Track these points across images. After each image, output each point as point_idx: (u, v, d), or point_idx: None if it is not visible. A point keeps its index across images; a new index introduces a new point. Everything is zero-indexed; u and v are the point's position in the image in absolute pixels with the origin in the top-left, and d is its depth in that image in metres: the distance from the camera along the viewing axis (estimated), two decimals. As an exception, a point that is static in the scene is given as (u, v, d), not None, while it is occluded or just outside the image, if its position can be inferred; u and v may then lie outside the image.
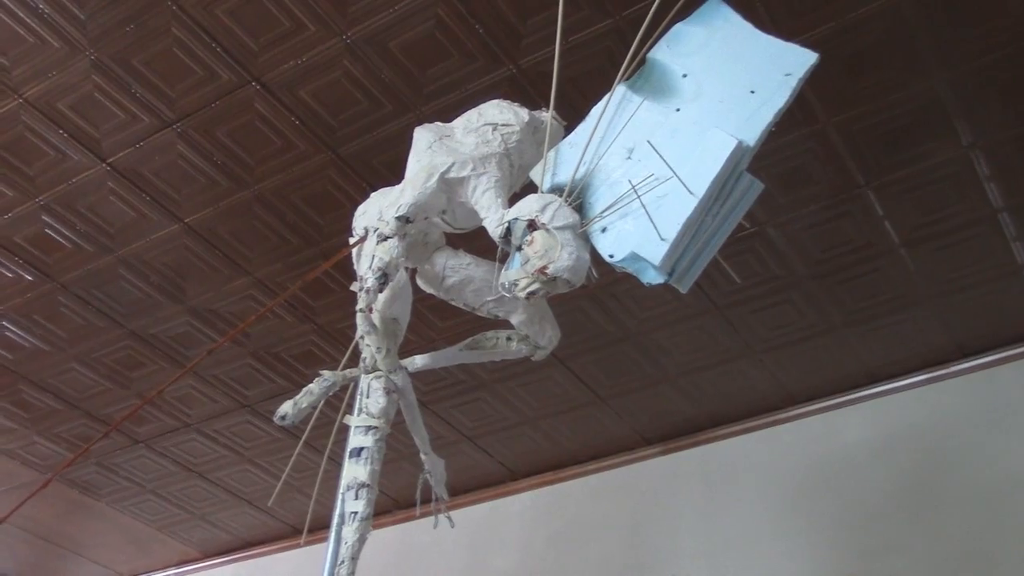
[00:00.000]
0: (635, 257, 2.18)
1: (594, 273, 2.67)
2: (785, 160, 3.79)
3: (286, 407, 2.53)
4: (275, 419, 2.54)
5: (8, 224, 4.22)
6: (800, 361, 4.73)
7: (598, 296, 4.42)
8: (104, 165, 3.93)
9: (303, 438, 3.05)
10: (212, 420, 5.36)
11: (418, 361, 2.70)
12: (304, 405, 2.53)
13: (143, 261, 4.38)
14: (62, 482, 5.95)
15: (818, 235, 4.10)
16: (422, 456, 2.58)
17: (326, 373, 2.57)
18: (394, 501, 5.80)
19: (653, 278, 2.17)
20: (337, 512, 2.27)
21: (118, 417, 5.05)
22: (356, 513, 2.23)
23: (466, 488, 5.73)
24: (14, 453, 5.72)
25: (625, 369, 4.85)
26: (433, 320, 4.56)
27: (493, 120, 2.49)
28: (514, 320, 2.70)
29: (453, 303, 2.73)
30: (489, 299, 2.66)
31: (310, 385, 2.56)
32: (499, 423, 5.27)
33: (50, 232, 4.25)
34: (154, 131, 3.79)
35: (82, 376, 5.08)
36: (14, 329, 4.81)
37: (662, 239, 2.11)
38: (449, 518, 2.62)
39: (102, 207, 4.12)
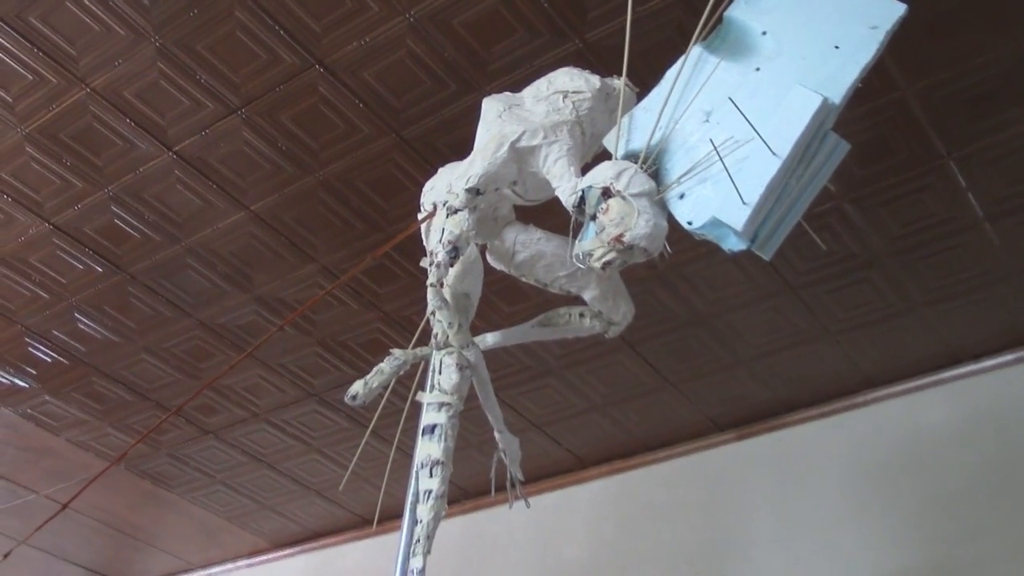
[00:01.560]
0: (715, 223, 2.09)
1: (667, 248, 2.60)
2: (862, 131, 3.65)
3: (357, 387, 2.49)
4: (346, 399, 2.50)
5: (78, 215, 4.25)
6: (879, 342, 4.58)
7: (667, 277, 4.32)
8: (170, 154, 3.93)
9: (370, 426, 3.04)
10: (280, 410, 5.36)
11: (489, 339, 2.64)
12: (375, 385, 2.49)
13: (210, 250, 4.39)
14: (135, 473, 6.02)
15: (897, 210, 3.95)
16: (496, 434, 2.52)
17: (396, 351, 2.52)
18: (462, 491, 5.76)
19: (735, 244, 2.08)
20: (411, 491, 2.22)
21: (181, 401, 5.05)
22: (431, 491, 2.18)
23: (535, 476, 5.66)
24: (88, 444, 5.79)
25: (696, 353, 4.74)
26: (500, 304, 4.50)
27: (564, 88, 2.42)
28: (587, 296, 2.63)
29: (524, 279, 2.67)
30: (561, 274, 2.59)
31: (380, 364, 2.52)
32: (567, 410, 5.20)
33: (119, 223, 4.27)
34: (219, 118, 3.77)
35: (152, 367, 5.12)
36: (85, 320, 4.85)
37: (744, 203, 2.01)
38: (525, 499, 2.56)
39: (169, 196, 4.13)
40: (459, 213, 2.30)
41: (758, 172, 2.02)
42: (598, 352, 4.79)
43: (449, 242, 2.29)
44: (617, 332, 2.71)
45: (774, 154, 2.01)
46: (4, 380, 5.24)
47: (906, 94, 3.53)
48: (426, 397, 2.30)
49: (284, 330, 4.74)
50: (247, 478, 5.99)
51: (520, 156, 2.31)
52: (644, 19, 3.29)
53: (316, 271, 4.45)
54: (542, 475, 5.65)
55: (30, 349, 5.05)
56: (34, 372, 5.19)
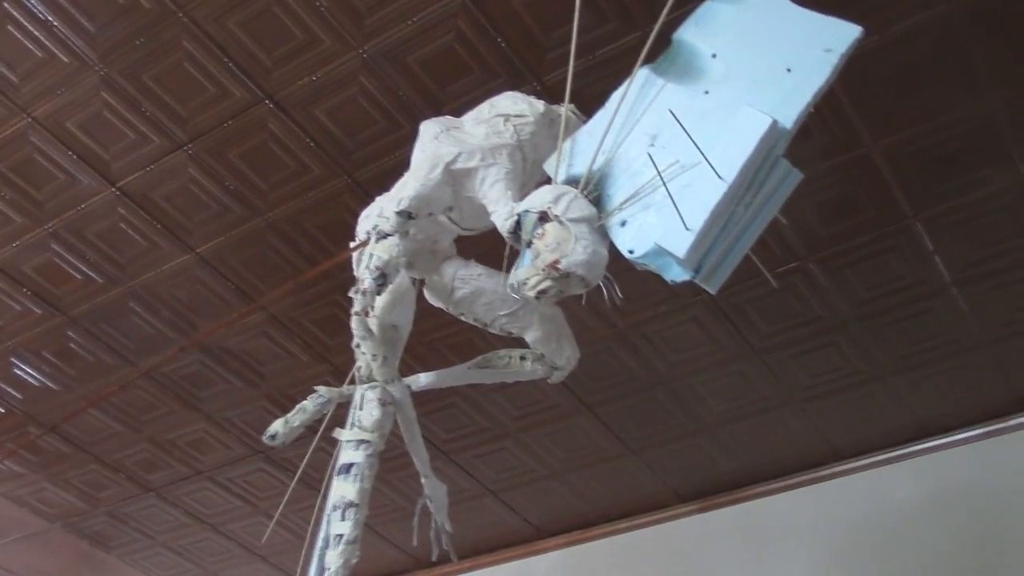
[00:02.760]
0: (658, 251, 1.95)
1: (618, 293, 2.46)
2: (827, 187, 3.56)
3: (276, 425, 2.32)
4: (264, 439, 2.33)
5: (16, 253, 4.07)
6: (845, 411, 4.43)
7: (627, 336, 4.18)
8: (114, 190, 3.78)
9: (298, 473, 2.85)
10: (226, 467, 5.13)
11: (423, 379, 2.47)
12: (296, 424, 2.32)
13: (153, 294, 4.22)
14: (71, 532, 5.74)
15: (863, 272, 3.84)
16: (422, 480, 2.33)
17: (322, 389, 2.35)
18: (413, 559, 5.53)
19: (677, 275, 1.94)
20: (321, 535, 2.03)
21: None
22: (342, 536, 2.00)
23: (490, 547, 5.45)
24: (23, 500, 5.51)
25: (657, 418, 4.57)
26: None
27: (505, 111, 2.30)
28: (529, 338, 2.48)
29: (463, 318, 2.51)
30: (502, 313, 2.44)
31: (303, 402, 2.35)
32: (524, 475, 5.00)
33: (59, 262, 4.10)
34: (165, 153, 3.64)
35: (91, 418, 4.89)
36: (21, 366, 4.64)
37: (687, 229, 1.88)
38: (452, 552, 2.36)
39: (112, 235, 3.96)
40: (389, 238, 2.15)
41: (703, 197, 1.89)
42: (556, 415, 4.62)
43: (376, 267, 2.13)
44: (560, 377, 2.55)
45: (720, 178, 1.88)
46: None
47: (871, 151, 3.44)
48: (344, 434, 2.13)
49: (227, 381, 4.55)
50: (190, 540, 5.72)
51: (455, 179, 2.17)
52: (603, 64, 3.20)
53: (264, 319, 4.28)
54: (497, 545, 5.43)
55: (-36, 395, 4.83)
56: (-34, 419, 4.96)
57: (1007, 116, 3.29)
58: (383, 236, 2.16)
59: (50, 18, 3.25)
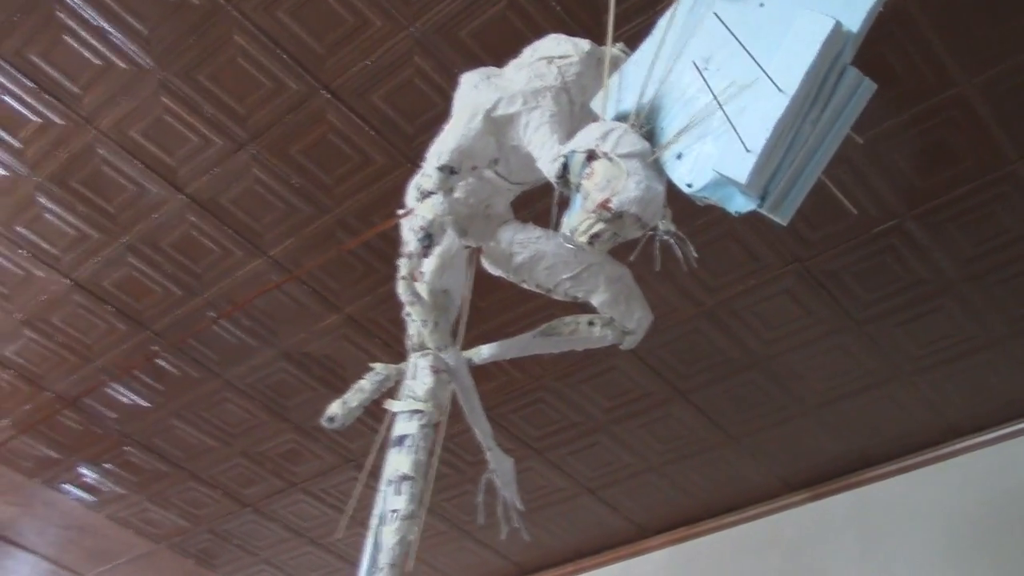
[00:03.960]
0: (718, 181, 1.78)
1: (693, 253, 2.30)
2: (920, 135, 3.30)
3: (334, 407, 2.21)
4: (323, 422, 2.22)
5: (96, 269, 4.09)
6: (961, 382, 4.11)
7: (716, 314, 3.96)
8: (182, 196, 3.76)
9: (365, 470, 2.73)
10: (319, 478, 5.08)
11: (484, 351, 2.33)
12: (355, 404, 2.21)
13: (232, 303, 4.18)
14: (176, 552, 5.76)
15: (967, 226, 3.55)
16: (486, 453, 2.18)
17: (378, 366, 2.23)
18: (516, 566, 5.38)
19: (742, 205, 1.76)
20: (376, 512, 1.90)
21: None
22: (397, 511, 1.87)
23: (592, 549, 5.26)
24: (128, 521, 5.56)
25: (756, 401, 4.33)
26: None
27: (548, 53, 2.15)
28: (596, 301, 2.31)
29: (525, 285, 2.36)
30: (565, 276, 2.28)
31: (361, 381, 2.24)
32: (622, 471, 4.80)
33: (137, 275, 4.10)
34: (228, 154, 3.60)
35: (184, 434, 4.89)
36: (113, 385, 4.67)
37: (748, 151, 1.70)
38: (523, 528, 2.20)
39: (185, 244, 3.95)
40: (432, 196, 2.03)
41: (763, 114, 1.70)
42: (649, 404, 4.42)
43: (421, 228, 2.01)
44: (633, 343, 2.37)
45: (780, 91, 1.69)
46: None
47: (966, 89, 3.17)
48: (396, 405, 2.00)
49: (311, 387, 4.49)
50: (290, 555, 5.68)
51: (497, 127, 2.03)
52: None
53: (342, 322, 4.21)
54: (599, 547, 5.23)
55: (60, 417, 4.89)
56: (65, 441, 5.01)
57: (1117, 37, 2.99)
58: (426, 195, 2.04)
59: (104, 24, 3.25)
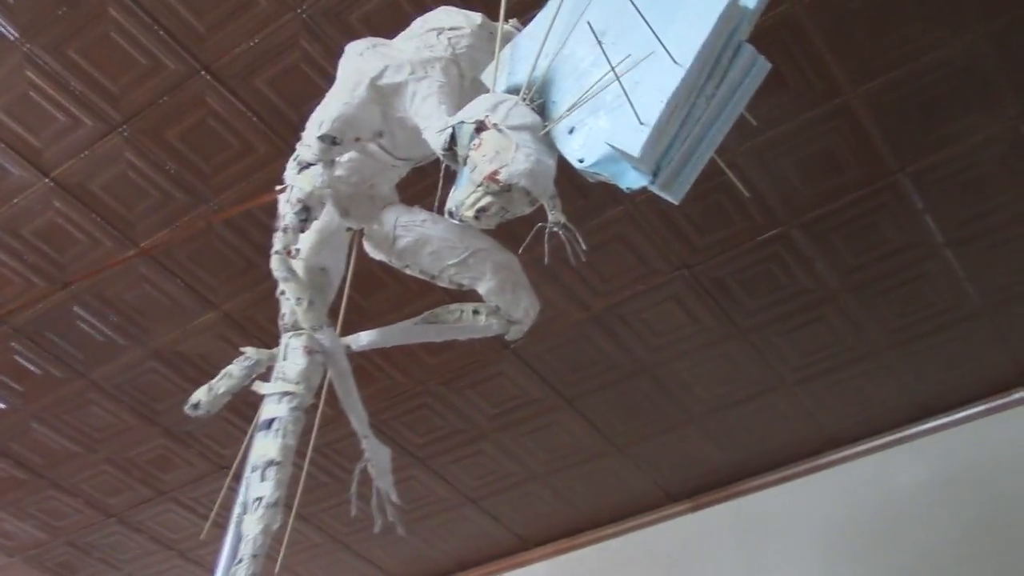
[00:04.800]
0: (611, 157, 1.72)
1: (582, 245, 2.24)
2: (806, 143, 3.34)
3: (199, 394, 2.07)
4: (186, 410, 2.08)
5: (-50, 257, 3.81)
6: (839, 392, 4.18)
7: (604, 319, 3.93)
8: (47, 180, 3.53)
9: (231, 472, 2.58)
10: (189, 486, 4.84)
11: (363, 338, 2.23)
12: (222, 391, 2.07)
13: (100, 298, 3.95)
14: (32, 566, 5.42)
15: (850, 236, 3.61)
16: (361, 441, 2.06)
17: (249, 350, 2.10)
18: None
19: (633, 181, 1.70)
20: (240, 500, 1.77)
21: None
22: (261, 499, 1.74)
23: (473, 560, 5.16)
24: (-25, 532, 5.21)
25: (642, 410, 4.31)
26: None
27: (439, 24, 2.07)
28: (482, 289, 2.23)
29: (408, 271, 2.26)
30: (450, 262, 2.20)
31: (229, 367, 2.10)
32: (504, 480, 4.72)
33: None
34: (99, 136, 3.39)
35: (45, 438, 4.60)
36: (-32, 385, 4.36)
37: (641, 123, 1.64)
38: (399, 523, 2.09)
39: (50, 232, 3.71)
40: (311, 168, 1.91)
41: (658, 87, 1.65)
42: (535, 412, 4.36)
43: (299, 200, 1.89)
44: (519, 333, 2.29)
45: (676, 63, 1.65)
46: None
47: (851, 99, 3.22)
48: (265, 387, 1.88)
49: (184, 389, 4.27)
50: (158, 568, 5.40)
51: (383, 96, 1.93)
52: None
53: (218, 319, 4.02)
54: (481, 559, 5.14)
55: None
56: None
57: (994, 54, 3.07)
58: (305, 166, 1.92)
59: (-39, -14, 3.02)
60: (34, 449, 4.67)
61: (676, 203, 1.76)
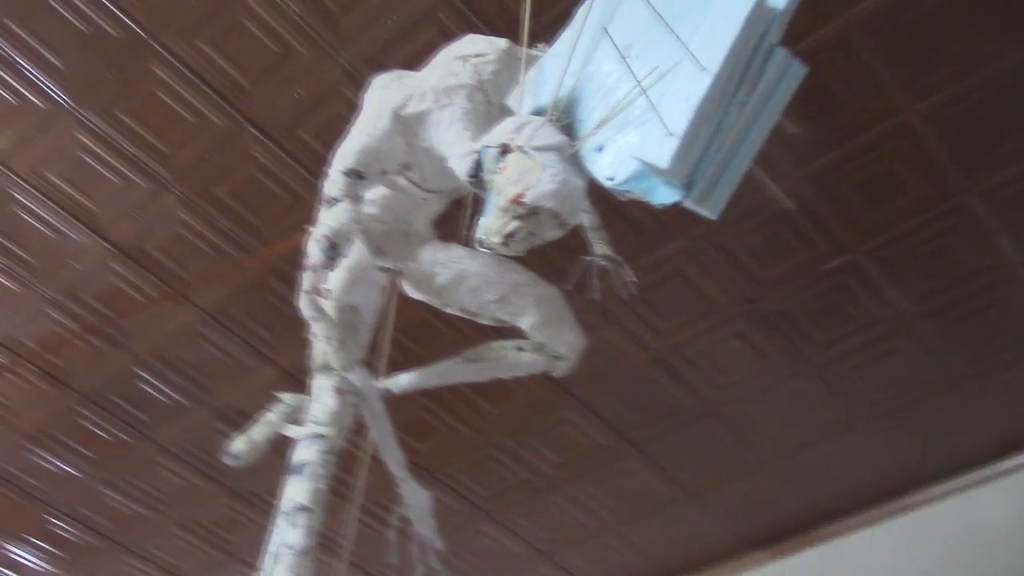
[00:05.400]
0: (641, 173, 1.63)
1: (632, 278, 2.16)
2: (866, 166, 3.21)
3: (238, 443, 2.04)
4: (225, 459, 2.03)
5: (14, 324, 3.87)
6: (920, 428, 3.98)
7: (667, 360, 3.81)
8: (105, 244, 3.57)
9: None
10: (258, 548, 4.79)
11: (404, 379, 2.16)
12: (260, 439, 2.03)
13: (161, 359, 3.96)
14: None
15: (920, 260, 3.45)
16: (399, 483, 1.98)
17: (286, 396, 2.05)
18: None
19: (666, 197, 1.62)
20: (270, 548, 1.70)
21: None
22: (291, 547, 1.66)
23: (549, 617, 4.99)
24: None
25: (712, 453, 4.16)
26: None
27: (463, 52, 2.02)
28: (524, 324, 2.15)
29: (448, 310, 2.20)
30: (490, 298, 2.12)
31: (268, 414, 2.05)
32: (576, 532, 4.58)
33: (59, 330, 3.88)
34: (151, 196, 3.42)
35: (113, 501, 4.62)
36: (40, 453, 4.40)
37: (670, 134, 1.56)
38: (439, 571, 1.99)
39: (109, 294, 3.74)
40: (338, 204, 1.87)
41: (686, 94, 1.57)
42: (602, 459, 4.23)
43: (325, 238, 1.84)
44: (565, 369, 2.20)
45: (704, 69, 1.56)
46: None
47: (910, 117, 3.09)
48: (295, 431, 1.81)
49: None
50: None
51: (407, 126, 1.88)
52: None
53: (277, 376, 4.00)
54: (555, 614, 4.97)
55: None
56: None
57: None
58: (332, 203, 1.88)
59: (18, 59, 3.09)
60: (105, 514, 4.68)
61: (714, 218, 1.66)
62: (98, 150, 3.31)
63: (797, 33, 2.74)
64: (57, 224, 3.52)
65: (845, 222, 3.35)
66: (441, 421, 4.13)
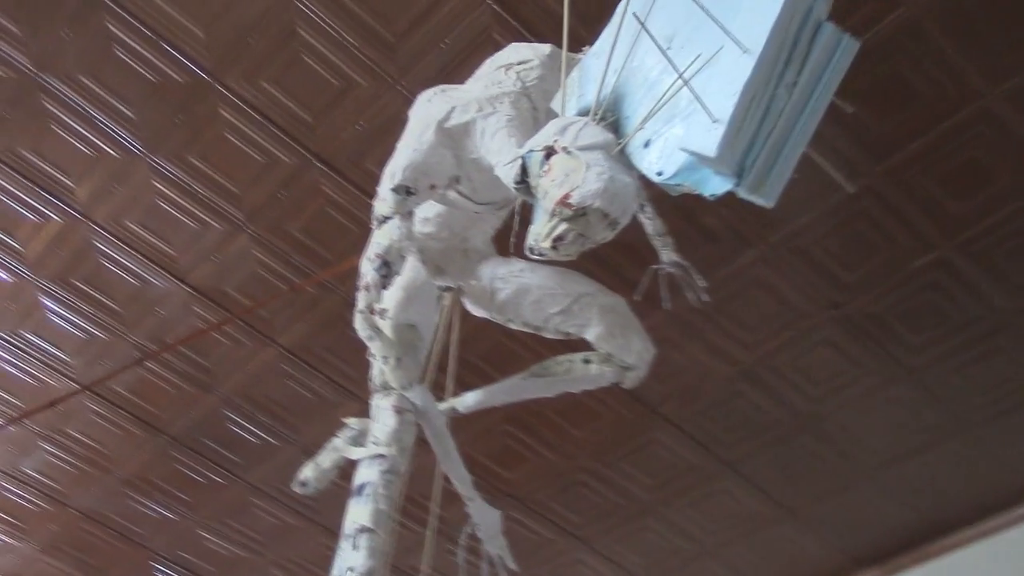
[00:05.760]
0: (690, 165, 1.57)
1: (701, 283, 2.10)
2: (949, 155, 3.06)
3: (306, 471, 2.02)
4: (295, 487, 2.02)
5: (106, 371, 3.96)
6: (1032, 430, 3.76)
7: (755, 373, 3.68)
8: (185, 287, 3.64)
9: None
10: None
11: (469, 398, 2.12)
12: (328, 465, 2.01)
13: (248, 399, 4.01)
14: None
15: (1014, 251, 3.28)
16: (466, 503, 1.93)
17: (352, 421, 2.03)
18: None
19: (717, 187, 1.55)
20: (334, 572, 1.66)
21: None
22: (353, 569, 1.62)
23: (651, 647, 4.85)
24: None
25: (811, 468, 4.00)
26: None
27: (506, 61, 2.00)
28: (590, 336, 2.10)
29: (512, 326, 2.16)
30: (553, 311, 2.08)
31: (334, 440, 2.03)
32: (674, 557, 4.46)
33: (148, 376, 3.96)
34: (226, 237, 3.48)
35: (214, 545, 4.67)
36: (136, 497, 4.49)
37: (715, 120, 1.50)
38: (517, 591, 1.93)
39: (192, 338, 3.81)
40: (389, 221, 1.85)
41: (729, 78, 1.51)
42: (696, 479, 4.11)
43: (377, 256, 1.82)
44: (636, 380, 2.13)
45: (746, 51, 1.50)
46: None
47: (990, 101, 2.94)
48: (356, 452, 1.79)
49: (343, 487, 4.26)
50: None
51: (452, 139, 1.86)
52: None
53: (362, 410, 3.99)
54: (658, 644, 4.83)
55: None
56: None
57: None
58: (383, 221, 1.86)
59: (92, 111, 3.18)
60: (205, 557, 4.74)
61: (770, 206, 1.58)
62: (173, 195, 3.38)
63: (865, 21, 2.67)
64: (139, 271, 3.61)
65: (930, 217, 3.21)
66: (527, 448, 4.07)
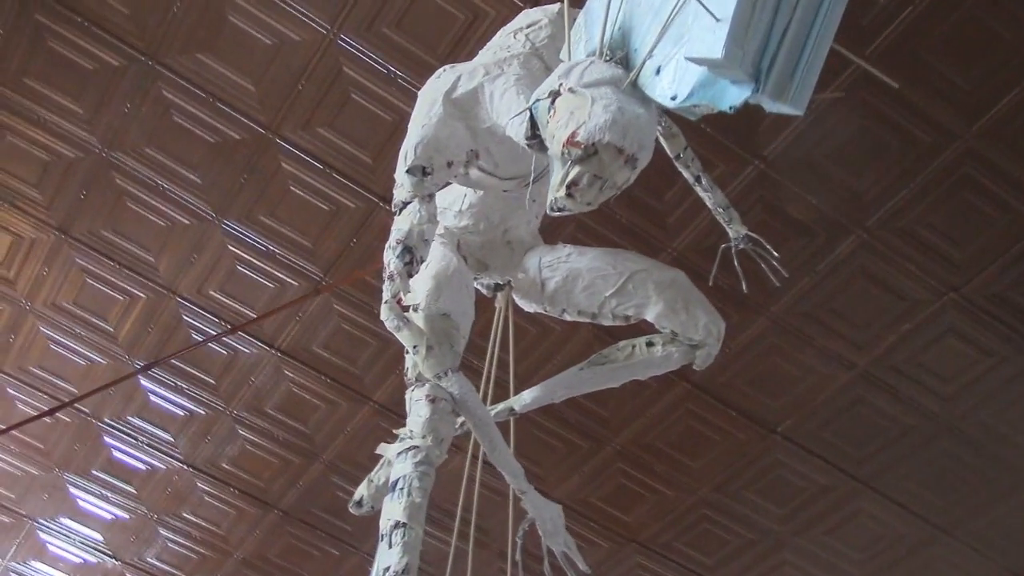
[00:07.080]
0: (704, 81, 1.42)
1: (775, 255, 1.94)
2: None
3: (361, 490, 1.90)
4: (350, 508, 1.90)
5: (211, 448, 3.96)
6: None
7: (874, 375, 3.39)
8: (275, 352, 3.61)
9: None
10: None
11: (526, 396, 1.98)
12: (382, 482, 1.88)
13: (352, 463, 3.93)
14: None
15: None
16: (519, 495, 1.76)
17: (403, 431, 1.89)
18: None
19: (736, 97, 1.39)
20: (374, 571, 1.52)
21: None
22: (389, 568, 1.47)
23: None
24: None
25: (956, 477, 3.65)
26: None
27: (516, 26, 1.90)
28: (651, 316, 1.93)
29: (567, 317, 2.01)
30: (607, 293, 1.94)
31: (387, 453, 1.90)
32: (821, 593, 4.10)
33: (251, 448, 3.94)
34: (307, 294, 3.45)
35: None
36: (258, 577, 4.44)
37: (718, 20, 1.34)
38: (591, 587, 1.73)
39: (289, 403, 3.77)
40: (407, 206, 1.74)
41: (731, -23, 1.35)
42: (831, 503, 3.80)
43: (398, 242, 1.71)
44: (706, 357, 1.94)
45: (745, -56, 1.35)
46: None
47: None
48: (390, 449, 1.65)
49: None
50: None
51: (461, 109, 1.74)
52: None
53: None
54: None
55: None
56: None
57: None
58: (402, 207, 1.75)
59: (160, 181, 3.23)
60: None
61: (799, 114, 1.41)
62: (249, 258, 3.39)
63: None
64: (229, 340, 3.60)
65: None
66: (642, 485, 3.85)
